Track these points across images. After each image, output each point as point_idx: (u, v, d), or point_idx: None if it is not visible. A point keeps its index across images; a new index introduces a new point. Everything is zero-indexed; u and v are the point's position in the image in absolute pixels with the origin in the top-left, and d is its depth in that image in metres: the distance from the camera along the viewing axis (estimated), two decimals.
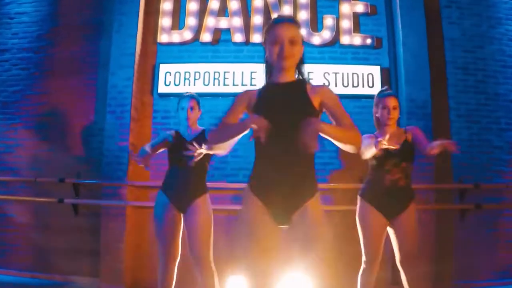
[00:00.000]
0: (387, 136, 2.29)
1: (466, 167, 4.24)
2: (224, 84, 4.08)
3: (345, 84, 4.09)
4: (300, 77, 1.74)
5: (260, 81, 4.04)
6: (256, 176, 1.68)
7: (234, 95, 4.17)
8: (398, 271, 3.95)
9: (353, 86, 4.10)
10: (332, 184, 4.08)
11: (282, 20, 1.67)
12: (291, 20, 1.68)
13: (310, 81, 1.80)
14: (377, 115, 2.77)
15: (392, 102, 2.67)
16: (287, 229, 1.65)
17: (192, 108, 2.73)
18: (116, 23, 4.14)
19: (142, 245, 4.04)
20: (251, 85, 4.05)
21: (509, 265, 4.17)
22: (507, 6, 4.63)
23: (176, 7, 4.30)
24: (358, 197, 2.70)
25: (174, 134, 2.74)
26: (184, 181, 2.66)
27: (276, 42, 1.63)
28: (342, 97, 3.99)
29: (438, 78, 4.28)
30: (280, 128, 1.57)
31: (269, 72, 1.76)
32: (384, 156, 2.55)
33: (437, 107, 4.19)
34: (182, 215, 2.71)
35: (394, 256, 3.90)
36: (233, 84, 4.06)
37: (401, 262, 2.62)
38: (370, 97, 4.13)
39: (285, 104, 1.63)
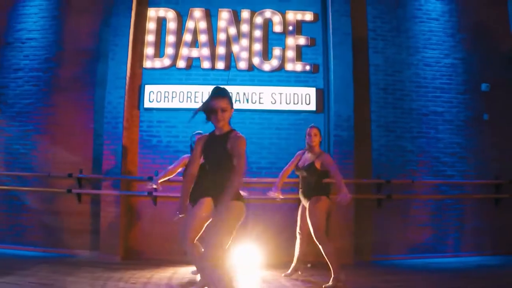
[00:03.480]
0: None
1: (384, 167, 6.00)
2: (195, 102, 5.79)
3: (288, 101, 5.82)
4: (229, 129, 2.88)
5: None
6: (199, 187, 3.09)
7: None
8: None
9: (294, 103, 5.84)
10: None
11: (216, 94, 2.80)
12: (223, 94, 2.80)
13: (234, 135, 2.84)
14: (307, 141, 4.44)
15: (313, 131, 4.37)
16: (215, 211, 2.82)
17: None
18: (111, 53, 5.79)
19: (132, 225, 5.77)
20: None
21: (418, 243, 5.97)
22: (425, 37, 6.37)
23: (158, 39, 5.97)
24: None
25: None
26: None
27: (212, 111, 2.79)
28: (286, 112, 5.85)
29: (363, 96, 6.01)
30: (213, 163, 2.86)
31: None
32: (297, 169, 4.43)
33: (361, 119, 5.92)
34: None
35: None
36: (202, 102, 5.77)
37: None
38: (307, 112, 5.91)
39: (215, 151, 2.85)
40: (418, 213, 6.02)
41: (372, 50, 6.17)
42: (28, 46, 6.23)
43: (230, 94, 2.91)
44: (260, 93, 5.83)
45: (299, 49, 6.00)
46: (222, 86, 2.91)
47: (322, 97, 5.93)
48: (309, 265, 5.28)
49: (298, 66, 5.92)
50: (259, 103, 5.82)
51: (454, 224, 6.08)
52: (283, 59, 5.93)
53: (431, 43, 6.37)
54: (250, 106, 5.83)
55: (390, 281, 4.51)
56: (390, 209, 5.94)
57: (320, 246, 4.20)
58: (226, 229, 2.70)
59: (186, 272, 4.77)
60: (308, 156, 4.40)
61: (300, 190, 4.42)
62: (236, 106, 5.80)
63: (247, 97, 5.83)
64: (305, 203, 4.38)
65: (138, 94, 5.95)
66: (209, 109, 2.80)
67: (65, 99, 6.05)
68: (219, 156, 2.82)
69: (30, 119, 6.07)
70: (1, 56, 6.23)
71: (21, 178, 5.95)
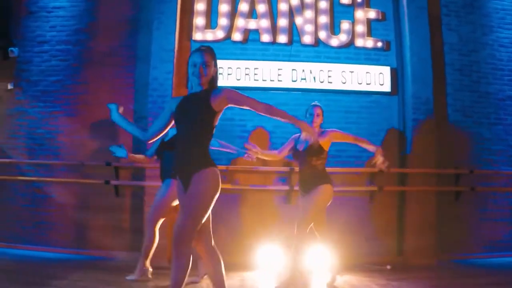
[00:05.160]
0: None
1: (461, 156, 5.39)
2: (254, 79, 5.06)
3: (360, 81, 5.16)
4: (209, 88, 2.45)
5: (285, 78, 5.03)
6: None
7: (262, 89, 5.32)
8: (403, 242, 5.11)
9: (367, 84, 5.17)
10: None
11: (199, 49, 2.47)
12: (206, 49, 2.46)
13: (218, 88, 2.49)
14: (308, 122, 3.72)
15: (317, 111, 3.73)
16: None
17: None
18: (156, 21, 5.03)
19: None
20: (278, 81, 5.06)
21: (497, 240, 5.35)
22: (499, 16, 5.79)
23: (209, 8, 5.22)
24: None
25: None
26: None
27: (193, 65, 2.42)
28: (354, 93, 5.17)
29: (438, 78, 5.38)
30: (188, 120, 2.37)
31: (191, 86, 2.52)
32: (295, 154, 3.78)
33: (437, 103, 5.28)
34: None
35: (399, 228, 5.08)
36: (262, 80, 5.05)
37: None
38: (380, 93, 5.26)
39: (192, 107, 2.40)
40: (497, 207, 5.41)
41: (446, 27, 5.55)
42: (55, 15, 5.43)
43: (215, 53, 2.55)
44: (328, 71, 5.14)
45: (368, 23, 5.34)
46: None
47: (395, 77, 5.28)
48: (388, 267, 4.65)
49: (369, 42, 5.26)
50: (328, 82, 5.13)
51: None
52: (352, 34, 5.26)
53: (505, 22, 5.80)
54: (317, 85, 5.13)
55: (483, 284, 3.97)
56: (469, 203, 5.31)
57: (296, 240, 3.56)
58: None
59: (255, 278, 4.07)
60: (306, 138, 3.70)
61: (301, 181, 3.76)
62: (301, 85, 5.16)
63: (313, 75, 5.13)
64: (306, 193, 3.67)
65: (186, 71, 5.14)
66: (190, 65, 2.46)
67: (98, 76, 5.26)
68: (198, 111, 2.38)
69: (57, 99, 5.27)
70: (24, 27, 5.43)
71: (47, 167, 5.15)
